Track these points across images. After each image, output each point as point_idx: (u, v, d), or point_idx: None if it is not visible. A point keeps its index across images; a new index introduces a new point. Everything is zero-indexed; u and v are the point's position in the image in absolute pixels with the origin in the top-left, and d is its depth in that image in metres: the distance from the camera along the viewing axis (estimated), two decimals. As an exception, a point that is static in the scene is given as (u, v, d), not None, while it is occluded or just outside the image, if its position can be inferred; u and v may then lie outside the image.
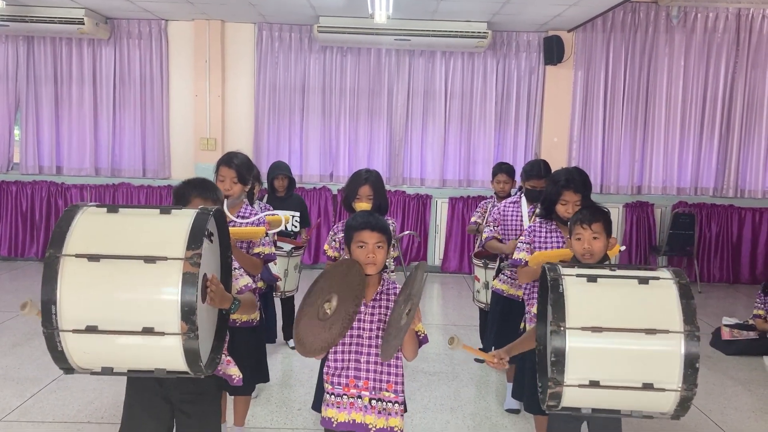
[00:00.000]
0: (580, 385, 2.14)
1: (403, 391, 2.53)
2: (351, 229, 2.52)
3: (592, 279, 2.26)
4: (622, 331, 2.14)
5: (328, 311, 2.32)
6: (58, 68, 8.36)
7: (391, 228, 3.53)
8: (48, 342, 1.96)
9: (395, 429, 2.47)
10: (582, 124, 8.41)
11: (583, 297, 2.21)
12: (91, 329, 1.94)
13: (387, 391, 2.47)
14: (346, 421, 2.46)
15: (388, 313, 2.45)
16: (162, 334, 1.95)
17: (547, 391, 2.16)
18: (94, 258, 1.96)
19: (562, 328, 2.12)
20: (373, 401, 2.46)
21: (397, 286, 2.57)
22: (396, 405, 2.48)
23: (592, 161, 8.41)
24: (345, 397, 2.47)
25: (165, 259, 1.96)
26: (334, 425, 2.47)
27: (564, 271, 2.29)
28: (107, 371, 2.07)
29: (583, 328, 2.13)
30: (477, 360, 5.07)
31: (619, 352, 2.16)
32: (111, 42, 8.29)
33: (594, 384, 2.14)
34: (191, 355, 1.99)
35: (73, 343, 1.98)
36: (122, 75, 8.37)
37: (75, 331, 1.95)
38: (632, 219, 8.41)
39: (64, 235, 2.00)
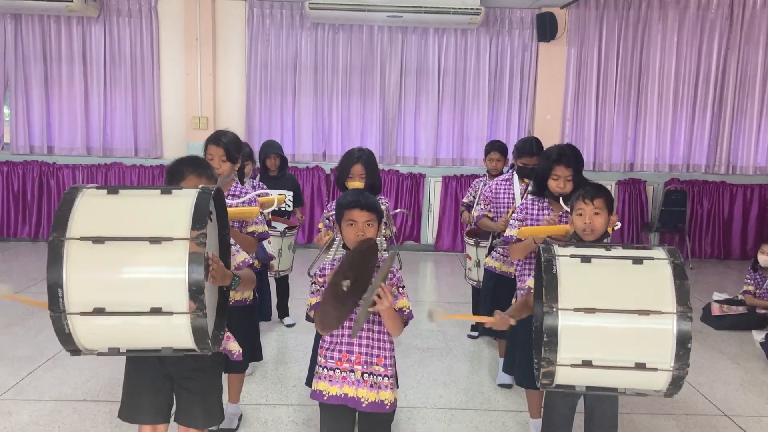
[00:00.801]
0: (572, 365, 2.17)
1: (392, 365, 2.56)
2: (341, 207, 2.54)
3: (586, 259, 2.26)
4: (615, 312, 2.16)
5: (344, 289, 2.33)
6: (47, 47, 8.27)
7: (384, 207, 3.54)
8: (55, 325, 1.97)
9: (386, 402, 2.51)
10: (575, 102, 8.41)
11: (577, 278, 2.23)
12: (99, 311, 1.95)
13: (377, 365, 2.51)
14: (338, 394, 2.49)
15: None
16: (170, 313, 1.96)
17: (541, 369, 2.20)
18: (98, 240, 1.96)
19: (554, 309, 2.14)
20: (365, 375, 2.49)
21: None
22: (386, 378, 2.52)
23: (585, 139, 8.43)
24: (337, 371, 2.50)
25: (170, 239, 1.96)
26: (325, 398, 2.51)
27: (558, 251, 2.30)
28: (114, 352, 2.08)
29: (576, 309, 2.15)
30: (470, 336, 5.11)
31: (612, 332, 2.18)
32: (100, 20, 8.19)
33: (587, 364, 2.17)
34: (199, 333, 2.01)
35: (81, 325, 1.98)
36: (112, 53, 8.29)
37: (82, 313, 1.95)
38: (624, 196, 8.45)
39: (67, 219, 1.99)
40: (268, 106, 8.39)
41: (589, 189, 2.81)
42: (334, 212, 2.76)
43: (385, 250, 3.70)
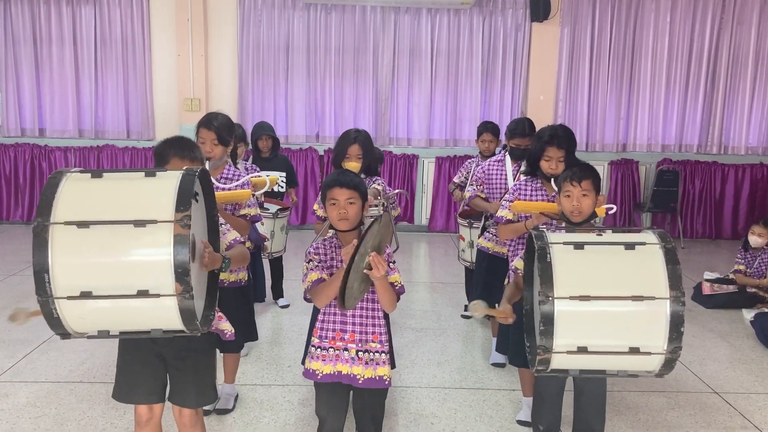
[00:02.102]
0: (568, 352, 2.20)
1: (387, 341, 2.59)
2: (324, 187, 2.58)
3: (579, 246, 2.27)
4: (609, 299, 2.18)
5: (368, 263, 2.34)
6: (37, 29, 8.18)
7: (380, 188, 3.56)
8: (43, 309, 1.97)
9: (384, 377, 2.54)
10: (568, 82, 8.40)
11: (571, 266, 2.24)
12: (86, 295, 1.95)
13: (373, 342, 2.54)
14: (331, 372, 2.52)
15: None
16: (157, 296, 1.97)
17: (536, 357, 2.22)
18: (83, 225, 1.95)
19: (550, 298, 2.15)
20: (360, 353, 2.52)
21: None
22: (383, 354, 2.55)
23: (578, 119, 8.43)
24: (331, 350, 2.53)
25: (155, 222, 1.96)
26: (318, 377, 2.54)
27: (551, 238, 2.31)
28: (103, 334, 2.08)
29: (571, 297, 2.16)
30: (463, 316, 5.15)
31: (606, 319, 2.21)
32: (90, 1, 8.10)
33: (582, 350, 2.19)
34: (187, 314, 2.02)
35: (69, 309, 1.99)
36: (103, 35, 8.21)
37: (69, 297, 1.96)
38: (617, 176, 8.48)
39: (51, 203, 1.98)
40: (261, 87, 8.35)
41: (576, 170, 2.80)
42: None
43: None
